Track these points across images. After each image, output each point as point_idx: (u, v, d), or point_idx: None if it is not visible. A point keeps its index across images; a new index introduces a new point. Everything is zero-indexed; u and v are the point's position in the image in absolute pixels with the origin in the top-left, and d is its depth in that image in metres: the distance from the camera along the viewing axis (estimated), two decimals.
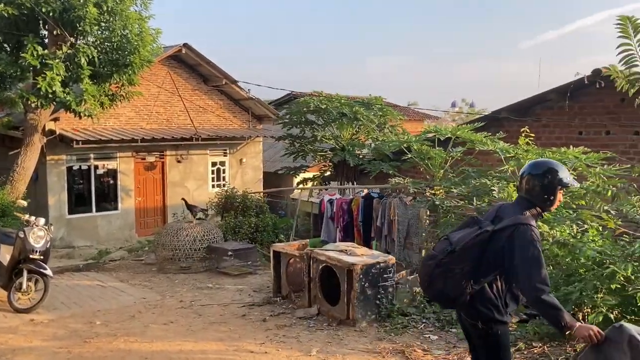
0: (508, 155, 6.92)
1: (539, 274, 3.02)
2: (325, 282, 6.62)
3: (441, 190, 7.55)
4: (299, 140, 13.39)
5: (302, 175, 15.29)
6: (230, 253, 9.53)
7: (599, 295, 4.90)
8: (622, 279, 4.89)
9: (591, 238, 5.54)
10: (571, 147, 7.24)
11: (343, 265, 6.21)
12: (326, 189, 11.48)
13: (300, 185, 13.78)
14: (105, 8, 10.47)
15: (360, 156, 11.99)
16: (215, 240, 9.86)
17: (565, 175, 3.26)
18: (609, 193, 5.01)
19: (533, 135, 7.40)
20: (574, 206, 6.86)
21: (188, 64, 16.74)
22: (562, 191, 3.32)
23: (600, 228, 6.10)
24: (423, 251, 7.89)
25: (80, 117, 11.13)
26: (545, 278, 3.05)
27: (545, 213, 3.43)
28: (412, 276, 6.88)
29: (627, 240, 5.99)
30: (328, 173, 13.60)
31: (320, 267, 6.57)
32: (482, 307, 3.27)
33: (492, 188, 6.51)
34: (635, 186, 4.95)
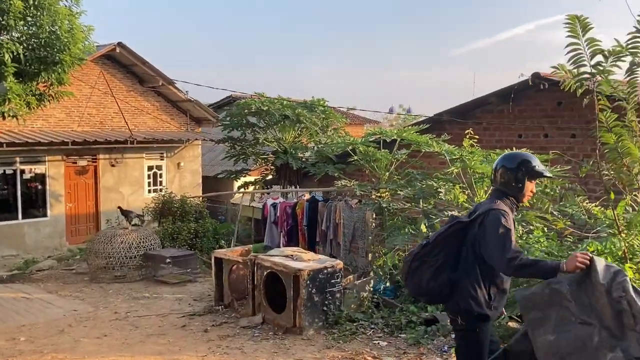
0: (453, 157, 6.87)
1: (510, 246, 3.12)
2: (270, 289, 6.36)
3: (387, 193, 7.44)
4: (239, 143, 13.02)
5: (243, 179, 14.91)
6: (168, 260, 9.09)
7: None
8: None
9: (536, 239, 5.57)
10: (513, 148, 7.31)
11: (289, 271, 5.97)
12: (268, 193, 11.19)
13: (242, 190, 13.41)
14: (31, 2, 9.78)
15: (303, 159, 11.77)
16: (152, 247, 9.38)
17: (536, 165, 3.39)
18: (556, 193, 5.01)
19: (477, 137, 7.41)
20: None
21: (123, 63, 16.03)
22: (534, 181, 3.43)
23: (545, 229, 6.16)
24: (369, 255, 7.75)
25: (4, 118, 10.35)
26: (516, 248, 3.18)
27: (521, 204, 3.51)
28: (360, 281, 6.72)
29: (572, 240, 6.08)
30: (270, 177, 13.30)
31: (265, 273, 6.30)
32: (461, 300, 3.31)
33: (439, 190, 6.44)
34: (580, 187, 4.98)
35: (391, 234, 6.83)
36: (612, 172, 4.72)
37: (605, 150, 4.70)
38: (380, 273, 6.90)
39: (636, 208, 4.89)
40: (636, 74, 4.65)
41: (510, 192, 3.37)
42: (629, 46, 4.57)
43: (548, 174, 3.59)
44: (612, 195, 5.17)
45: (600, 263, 3.08)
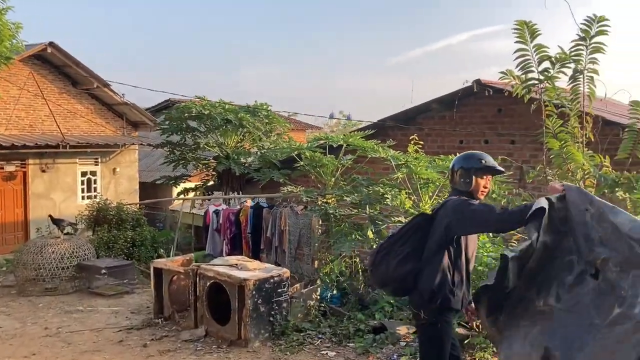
0: (399, 162, 6.85)
1: (492, 206, 3.37)
2: (213, 300, 6.10)
3: (333, 199, 7.32)
4: (179, 148, 12.59)
5: (182, 186, 14.48)
6: (103, 271, 8.60)
7: None
8: None
9: (481, 244, 5.60)
10: (456, 154, 7.37)
11: (234, 281, 5.73)
12: (209, 200, 10.86)
13: (182, 196, 12.98)
14: None
15: (246, 165, 11.51)
16: (86, 257, 8.87)
17: (483, 160, 3.52)
18: (504, 201, 5.05)
19: (422, 142, 7.43)
20: None
21: (54, 64, 15.25)
22: (487, 177, 3.56)
23: (491, 234, 6.21)
24: (316, 262, 7.61)
25: None
26: (491, 206, 3.42)
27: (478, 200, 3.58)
28: (307, 289, 6.56)
29: (515, 244, 6.16)
30: (211, 183, 12.94)
31: (209, 283, 6.03)
32: (425, 289, 3.41)
33: (386, 196, 6.38)
34: (525, 192, 5.03)
35: (338, 240, 6.71)
36: (557, 178, 4.77)
37: (551, 156, 4.76)
38: (327, 280, 6.77)
39: None
40: (579, 81, 4.74)
41: (462, 190, 3.53)
42: (572, 54, 4.66)
43: (499, 169, 3.67)
44: None
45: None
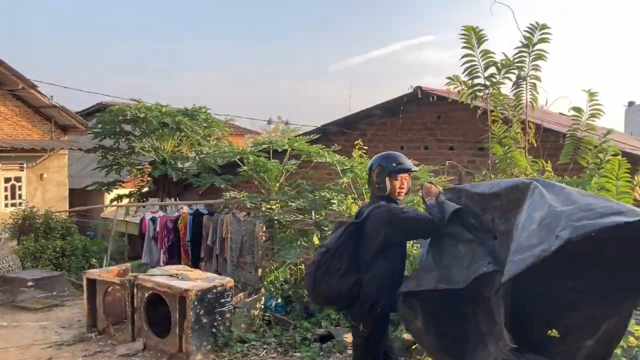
0: (344, 167, 6.78)
1: (422, 217, 3.41)
2: (151, 312, 5.79)
3: (278, 205, 7.16)
4: (112, 153, 12.03)
5: (116, 192, 13.86)
6: (30, 283, 8.05)
7: None
8: None
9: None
10: None
11: (174, 291, 5.46)
12: (144, 207, 10.42)
13: (115, 203, 12.39)
14: None
15: (184, 170, 11.13)
16: (10, 268, 8.29)
17: (392, 161, 3.55)
18: None
19: (366, 148, 7.40)
20: None
21: None
22: (402, 177, 3.57)
23: None
24: (259, 270, 7.41)
25: None
26: (424, 216, 3.41)
27: (399, 201, 3.68)
28: (250, 298, 6.36)
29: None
30: (147, 189, 12.43)
31: (147, 295, 5.73)
32: (366, 300, 3.37)
33: (332, 201, 6.29)
34: None
35: (282, 247, 6.55)
36: None
37: (496, 161, 4.80)
38: (272, 289, 6.59)
39: None
40: (522, 87, 4.82)
41: (378, 194, 3.57)
42: (516, 60, 4.74)
43: (413, 169, 3.72)
44: None
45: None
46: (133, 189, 13.31)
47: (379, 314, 3.40)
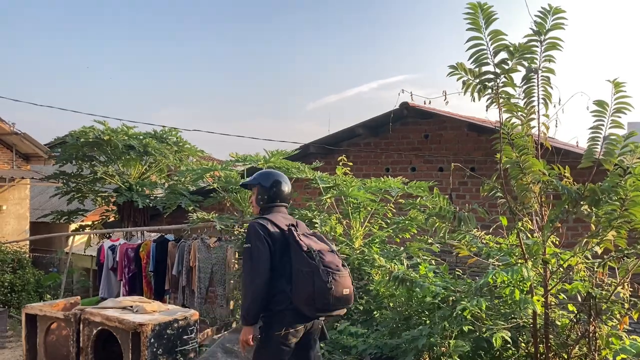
0: (328, 185, 6.01)
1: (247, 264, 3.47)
2: (100, 352, 4.87)
3: None
4: (74, 179, 11.08)
5: (79, 223, 12.86)
6: None
7: (449, 340, 4.08)
8: (471, 318, 4.15)
9: (422, 273, 4.81)
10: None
11: (127, 326, 4.56)
12: (105, 234, 9.45)
13: (74, 231, 11.36)
14: None
15: (152, 197, 10.22)
16: None
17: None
18: (449, 215, 4.27)
19: (351, 164, 6.67)
20: (398, 240, 6.19)
21: None
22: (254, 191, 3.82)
23: (433, 262, 5.46)
24: (231, 302, 6.49)
25: None
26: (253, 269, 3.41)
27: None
28: (220, 335, 5.45)
29: (460, 273, 5.43)
30: (112, 219, 11.45)
31: (95, 331, 4.81)
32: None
33: (314, 221, 5.50)
34: (482, 208, 4.34)
35: None
36: (515, 190, 4.10)
37: (507, 166, 4.09)
38: None
39: (528, 234, 4.31)
40: (533, 81, 4.16)
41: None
42: (525, 51, 4.09)
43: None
44: (505, 221, 4.61)
45: None
46: (98, 220, 12.31)
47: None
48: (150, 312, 4.81)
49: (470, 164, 8.77)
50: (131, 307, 4.90)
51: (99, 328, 4.77)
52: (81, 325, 4.90)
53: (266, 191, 3.73)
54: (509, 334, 3.89)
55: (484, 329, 4.05)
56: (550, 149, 4.38)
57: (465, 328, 4.01)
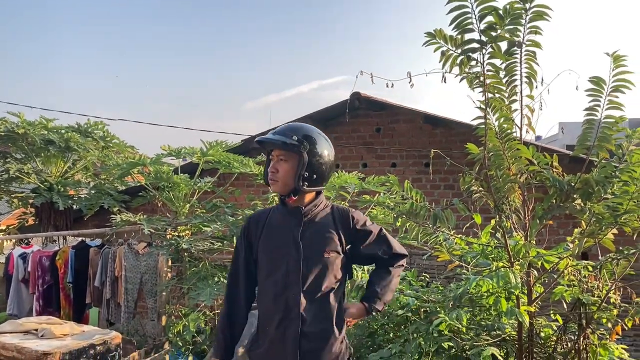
0: None
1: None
2: None
3: (188, 231, 5.48)
4: None
5: None
6: None
7: (426, 359, 3.43)
8: (448, 333, 3.53)
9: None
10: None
11: (27, 357, 3.64)
12: (24, 241, 8.29)
13: None
14: None
15: (76, 197, 9.12)
16: None
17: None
18: (423, 212, 3.63)
19: None
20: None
21: None
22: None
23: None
24: (163, 318, 5.60)
25: None
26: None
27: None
28: (150, 358, 4.59)
29: (427, 280, 4.82)
30: (30, 222, 10.23)
31: None
32: None
33: None
34: (462, 204, 3.71)
35: (194, 285, 4.86)
36: (500, 181, 3.50)
37: (490, 154, 3.49)
38: (179, 343, 4.86)
39: (507, 234, 3.72)
40: (515, 56, 3.58)
41: None
42: (510, 20, 3.49)
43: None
44: (479, 219, 4.03)
45: None
46: (13, 224, 11.00)
47: None
48: (60, 337, 3.90)
49: (424, 158, 8.26)
50: (36, 330, 3.98)
51: None
52: None
53: (325, 162, 2.49)
54: (497, 351, 3.30)
55: (466, 345, 3.44)
56: (535, 133, 3.84)
57: (445, 345, 3.37)
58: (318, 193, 2.53)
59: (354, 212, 2.57)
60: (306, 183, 2.40)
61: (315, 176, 2.42)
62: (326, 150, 2.50)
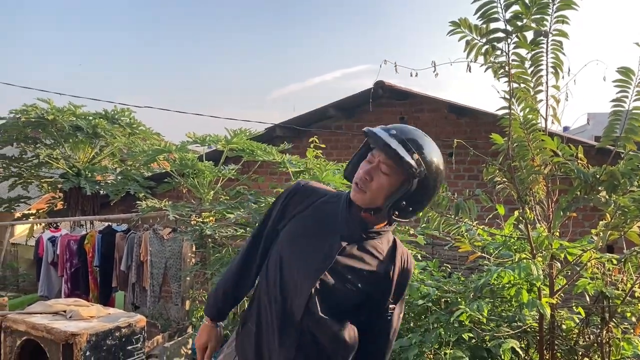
0: (298, 169, 5.31)
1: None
2: None
3: (212, 217, 5.56)
4: (16, 164, 10.07)
5: (24, 212, 11.81)
6: None
7: (446, 349, 3.45)
8: (469, 324, 3.53)
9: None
10: None
11: (56, 337, 3.76)
12: (53, 225, 8.50)
13: (14, 221, 10.35)
14: None
15: (103, 183, 9.30)
16: None
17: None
18: (445, 202, 3.63)
19: (324, 146, 5.98)
20: None
21: None
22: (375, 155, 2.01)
23: (420, 256, 4.82)
24: (187, 302, 5.72)
25: None
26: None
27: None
28: (173, 341, 4.70)
29: (448, 270, 4.81)
30: (59, 206, 10.48)
31: (19, 342, 4.00)
32: None
33: None
34: (484, 194, 3.71)
35: (217, 271, 4.95)
36: (524, 172, 3.48)
37: (515, 145, 3.47)
38: None
39: (531, 226, 3.68)
40: (542, 46, 3.53)
41: None
42: (536, 10, 3.45)
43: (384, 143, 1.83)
44: (502, 210, 4.00)
45: None
46: (43, 208, 11.30)
47: None
48: (87, 319, 4.02)
49: (448, 148, 8.19)
50: (64, 312, 4.10)
51: (24, 338, 3.96)
52: (3, 335, 4.08)
53: (429, 197, 1.95)
54: (517, 344, 3.29)
55: (486, 336, 3.44)
56: (560, 124, 3.79)
57: (465, 336, 3.38)
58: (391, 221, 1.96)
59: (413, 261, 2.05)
60: (397, 212, 1.85)
61: (411, 209, 1.87)
62: (438, 185, 1.92)
